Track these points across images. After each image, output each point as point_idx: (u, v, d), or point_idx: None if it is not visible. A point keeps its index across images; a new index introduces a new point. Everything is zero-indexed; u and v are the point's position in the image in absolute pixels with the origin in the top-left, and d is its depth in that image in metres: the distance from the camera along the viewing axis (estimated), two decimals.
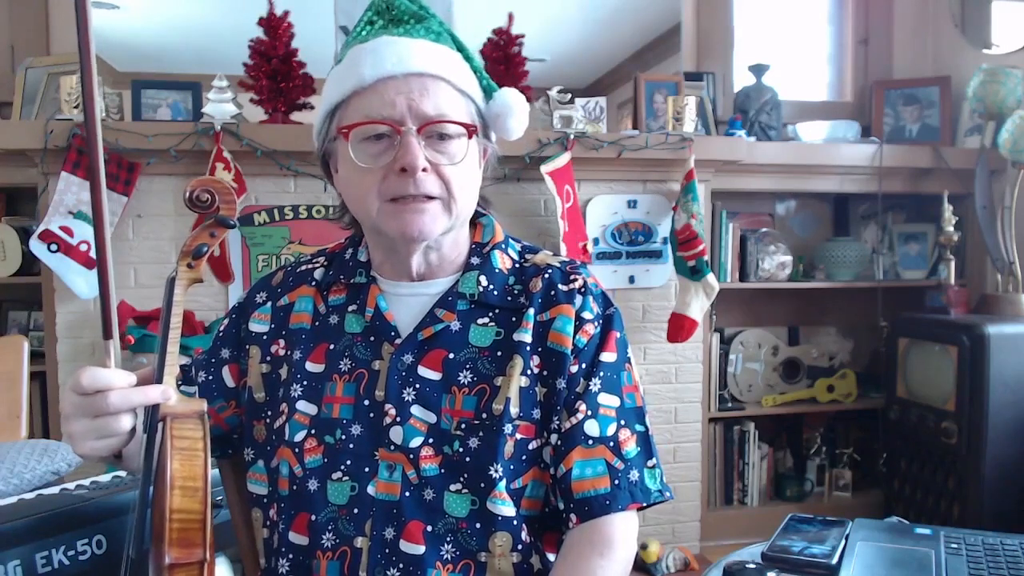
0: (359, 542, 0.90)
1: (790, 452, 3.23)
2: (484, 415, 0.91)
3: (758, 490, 3.09)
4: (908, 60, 3.30)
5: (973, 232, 3.04)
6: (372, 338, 0.97)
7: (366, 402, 0.93)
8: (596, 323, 0.97)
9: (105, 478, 1.20)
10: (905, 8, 3.31)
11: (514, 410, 0.91)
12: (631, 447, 0.94)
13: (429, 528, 0.89)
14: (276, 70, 2.41)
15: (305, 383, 0.96)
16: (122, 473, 1.22)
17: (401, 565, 0.88)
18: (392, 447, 0.91)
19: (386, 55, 0.92)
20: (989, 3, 3.15)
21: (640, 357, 2.70)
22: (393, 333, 0.96)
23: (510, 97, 0.99)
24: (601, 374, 0.95)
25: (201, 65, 2.60)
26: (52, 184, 2.29)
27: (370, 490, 0.91)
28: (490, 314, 0.97)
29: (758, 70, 3.02)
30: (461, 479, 0.90)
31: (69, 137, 2.25)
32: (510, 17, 2.55)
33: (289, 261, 1.11)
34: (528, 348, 0.94)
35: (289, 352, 0.99)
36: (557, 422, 0.94)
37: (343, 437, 0.92)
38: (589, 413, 0.93)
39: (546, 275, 0.99)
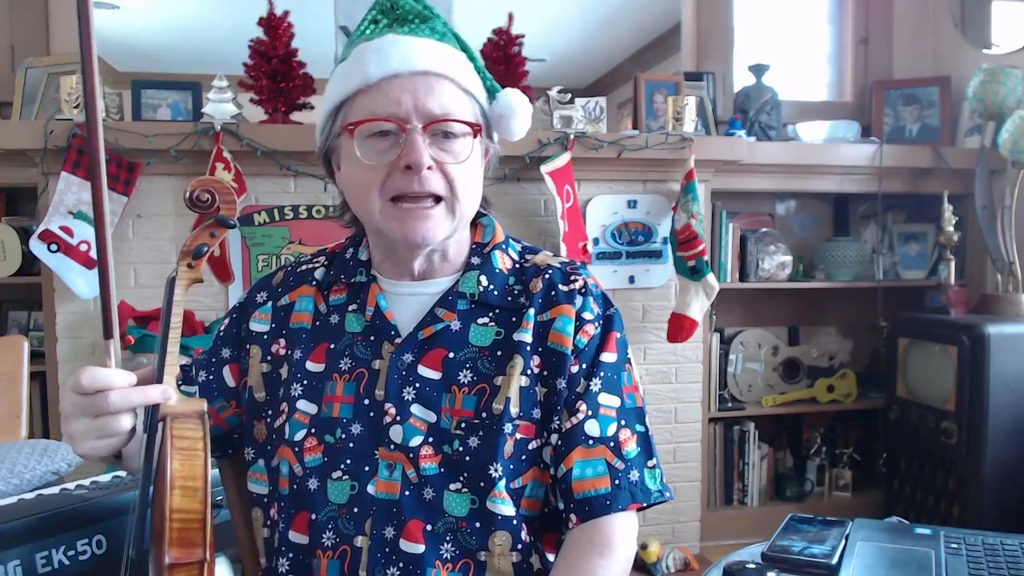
0: (359, 541, 0.90)
1: (790, 452, 3.23)
2: (484, 414, 0.91)
3: (758, 490, 3.09)
4: (908, 60, 3.30)
5: (973, 232, 3.04)
6: (372, 337, 0.97)
7: (366, 401, 0.93)
8: (596, 323, 0.97)
9: (105, 478, 1.20)
10: (905, 8, 3.31)
11: (514, 410, 0.92)
12: (631, 447, 0.95)
13: (429, 527, 0.89)
14: (276, 70, 2.41)
15: (305, 382, 0.96)
16: (122, 473, 1.22)
17: (401, 564, 0.88)
18: (392, 446, 0.91)
19: (392, 53, 0.92)
20: (989, 3, 3.15)
21: (640, 357, 2.70)
22: (393, 332, 0.96)
23: (513, 98, 1.00)
24: (601, 374, 0.95)
25: (201, 65, 2.60)
26: (52, 184, 2.29)
27: (370, 489, 0.91)
28: (490, 314, 0.97)
29: (758, 70, 3.02)
30: (461, 478, 0.90)
31: (69, 137, 2.25)
32: (510, 17, 2.55)
33: (289, 261, 1.11)
34: (528, 348, 0.94)
35: (289, 351, 0.99)
36: (557, 422, 0.94)
37: (343, 436, 0.92)
38: (590, 413, 0.93)
39: (546, 275, 0.99)
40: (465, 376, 0.93)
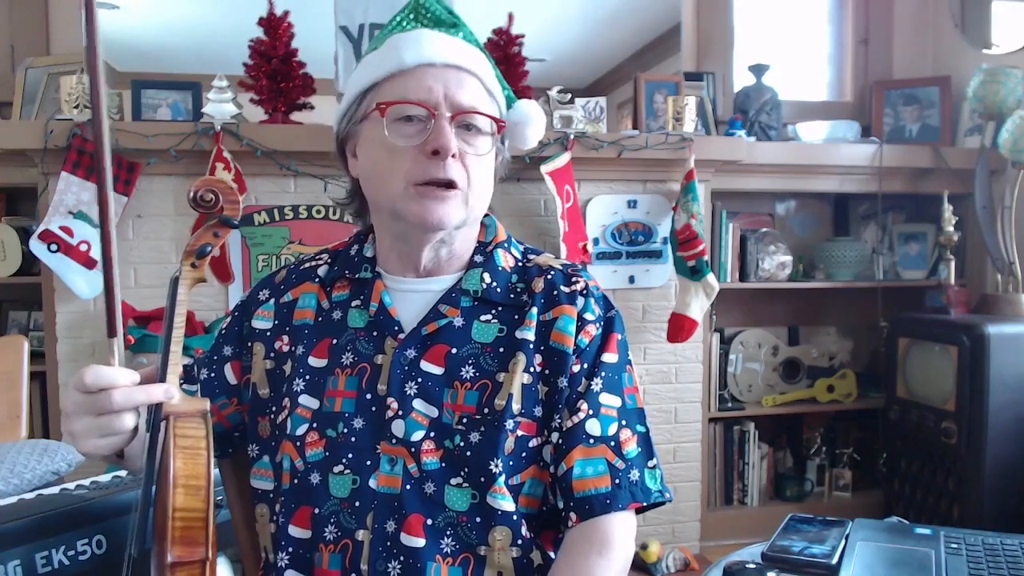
0: (361, 535, 0.90)
1: (790, 452, 3.23)
2: (486, 410, 0.92)
3: (758, 490, 3.09)
4: (908, 60, 3.31)
5: (973, 232, 3.04)
6: (375, 333, 0.97)
7: (368, 396, 0.94)
8: (598, 324, 0.98)
9: (105, 478, 1.20)
10: (905, 8, 3.31)
11: (516, 406, 0.92)
12: (632, 447, 0.95)
13: (429, 521, 0.90)
14: (276, 70, 2.41)
15: (308, 378, 0.97)
16: (122, 473, 1.22)
17: (402, 558, 0.89)
18: (394, 440, 0.92)
19: (426, 44, 0.96)
20: (989, 3, 3.15)
21: (640, 357, 2.70)
22: (396, 328, 0.97)
23: (530, 108, 1.04)
24: (603, 374, 0.96)
25: (201, 65, 2.60)
26: (52, 184, 2.29)
27: (371, 483, 0.91)
28: (493, 311, 0.98)
29: (758, 70, 3.02)
30: (461, 473, 0.91)
31: (69, 137, 2.25)
32: (510, 17, 2.55)
33: (291, 260, 1.11)
34: (531, 346, 0.95)
35: (292, 348, 1.00)
36: (558, 420, 0.94)
37: (345, 431, 0.93)
38: (591, 412, 0.94)
39: (548, 276, 1.00)
40: (467, 372, 0.94)
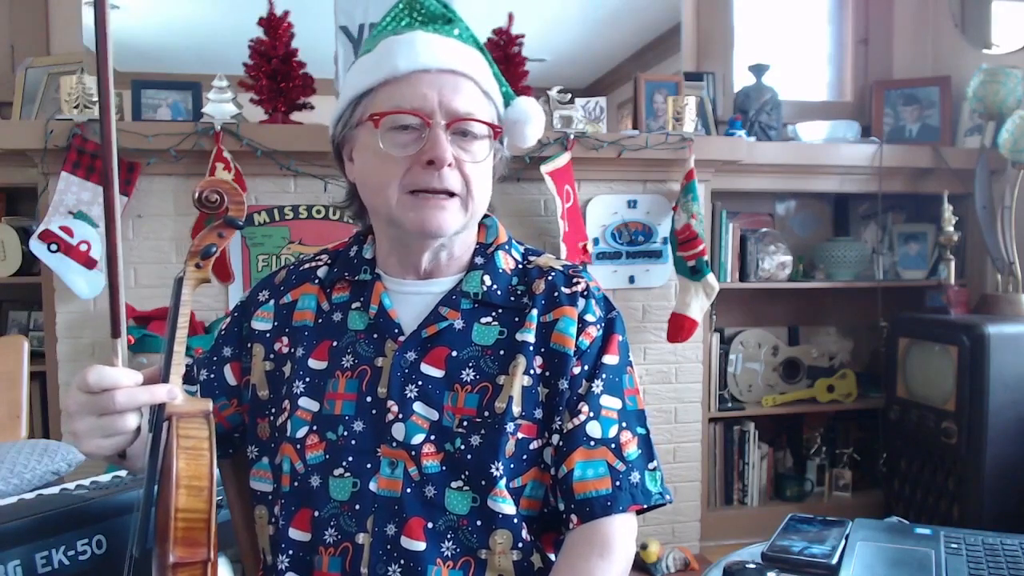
0: (361, 538, 0.90)
1: (790, 452, 3.23)
2: (486, 413, 0.92)
3: (758, 490, 3.09)
4: (908, 60, 3.31)
5: (973, 232, 3.04)
6: (375, 335, 0.97)
7: (368, 399, 0.94)
8: (598, 326, 0.98)
9: (105, 478, 1.20)
10: (905, 8, 3.31)
11: (516, 409, 0.92)
12: (632, 449, 0.95)
13: (430, 525, 0.90)
14: (276, 70, 2.41)
15: (308, 380, 0.96)
16: (122, 473, 1.22)
17: (402, 561, 0.88)
18: (394, 443, 0.91)
19: (420, 49, 0.94)
20: (989, 3, 3.15)
21: (640, 357, 2.70)
22: (396, 330, 0.96)
23: (528, 105, 1.02)
24: (603, 376, 0.96)
25: (201, 65, 2.60)
26: (52, 184, 2.29)
27: (372, 486, 0.91)
28: (493, 313, 0.97)
29: (758, 70, 3.02)
30: (462, 476, 0.90)
31: (69, 137, 2.25)
32: (510, 17, 2.55)
33: (291, 261, 1.11)
34: (531, 348, 0.94)
35: (292, 349, 0.99)
36: (559, 422, 0.94)
37: (345, 433, 0.93)
38: (591, 414, 0.94)
39: (549, 277, 1.00)
40: (468, 374, 0.93)
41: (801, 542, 0.98)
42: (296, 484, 0.93)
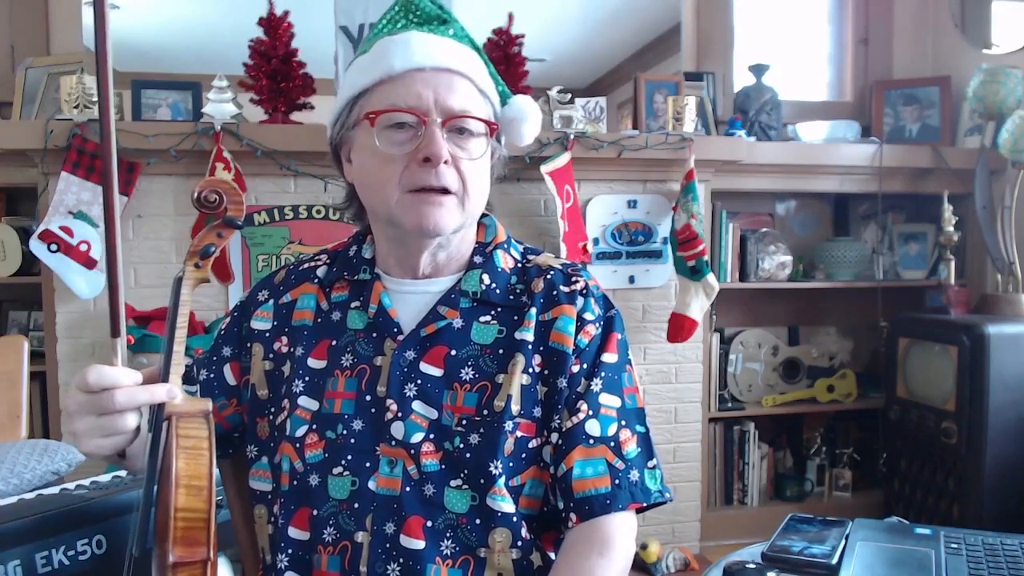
0: (360, 537, 0.90)
1: (790, 452, 3.23)
2: (485, 412, 0.92)
3: (758, 490, 3.09)
4: (908, 60, 3.31)
5: (973, 232, 3.04)
6: (374, 334, 0.97)
7: (368, 398, 0.94)
8: (597, 324, 0.98)
9: (105, 478, 1.20)
10: (905, 8, 3.31)
11: (515, 407, 0.92)
12: (632, 447, 0.95)
13: (429, 523, 0.90)
14: (276, 70, 2.41)
15: (307, 379, 0.96)
16: (122, 473, 1.22)
17: (401, 560, 0.88)
18: (393, 442, 0.91)
19: (416, 48, 0.95)
20: (989, 3, 3.15)
21: (640, 357, 2.70)
22: (396, 329, 0.97)
23: (525, 104, 1.03)
24: (602, 374, 0.96)
25: (201, 65, 2.60)
26: (52, 184, 2.29)
27: (371, 485, 0.91)
28: (492, 312, 0.98)
29: (758, 70, 3.02)
30: (461, 475, 0.90)
31: (69, 137, 2.25)
32: (510, 17, 2.55)
33: (290, 261, 1.11)
34: (530, 347, 0.95)
35: (292, 349, 1.00)
36: (558, 421, 0.94)
37: (344, 432, 0.93)
38: (590, 413, 0.94)
39: (548, 276, 1.00)
40: (467, 373, 0.94)
41: (801, 542, 0.98)
42: (295, 483, 0.93)
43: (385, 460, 0.91)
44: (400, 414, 0.92)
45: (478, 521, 0.90)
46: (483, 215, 1.05)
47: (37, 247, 2.25)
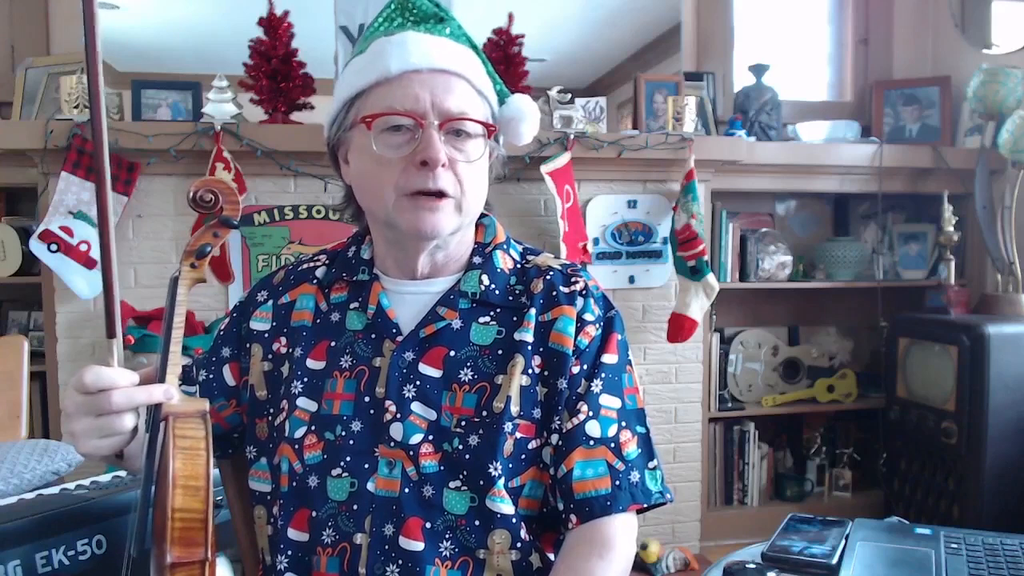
0: (359, 538, 0.90)
1: (790, 452, 3.23)
2: (484, 413, 0.91)
3: (758, 490, 3.09)
4: (908, 60, 3.31)
5: (973, 232, 3.04)
6: (373, 335, 0.97)
7: (367, 399, 0.94)
8: (597, 325, 0.98)
9: (105, 478, 1.20)
10: (905, 8, 3.31)
11: (514, 409, 0.92)
12: (632, 448, 0.95)
13: (428, 525, 0.89)
14: (276, 70, 2.41)
15: (306, 380, 0.96)
16: (122, 473, 1.22)
17: (400, 561, 0.88)
18: (392, 443, 0.91)
19: (412, 49, 0.94)
20: (989, 3, 3.15)
21: (640, 357, 2.70)
22: (395, 330, 0.96)
23: (523, 103, 1.02)
24: (602, 375, 0.96)
25: (201, 65, 2.60)
26: (52, 184, 2.29)
27: (370, 486, 0.91)
28: (491, 313, 0.97)
29: (758, 70, 3.02)
30: (460, 476, 0.90)
31: (69, 137, 2.25)
32: (510, 17, 2.55)
33: (290, 261, 1.11)
34: (529, 348, 0.94)
35: (290, 350, 0.99)
36: (558, 422, 0.94)
37: (343, 433, 0.93)
38: (591, 414, 0.93)
39: (547, 277, 0.99)
40: (466, 374, 0.93)
41: (801, 542, 0.98)
42: (294, 484, 0.93)
43: (384, 461, 0.91)
44: (399, 415, 0.92)
45: (477, 522, 0.90)
46: (482, 215, 1.04)
47: (37, 247, 2.25)
